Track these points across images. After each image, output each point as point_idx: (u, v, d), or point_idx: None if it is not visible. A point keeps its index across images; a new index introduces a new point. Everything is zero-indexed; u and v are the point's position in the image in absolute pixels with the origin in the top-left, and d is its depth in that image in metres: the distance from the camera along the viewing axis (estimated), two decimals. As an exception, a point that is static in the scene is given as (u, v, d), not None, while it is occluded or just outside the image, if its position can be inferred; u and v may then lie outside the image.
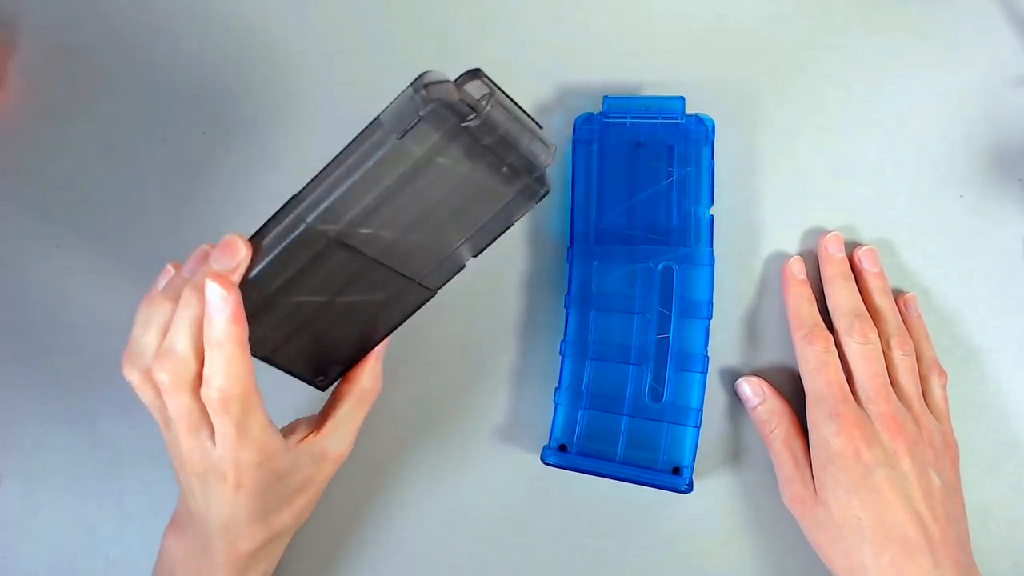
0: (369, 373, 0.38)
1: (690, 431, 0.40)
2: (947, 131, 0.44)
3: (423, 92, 0.30)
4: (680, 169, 0.42)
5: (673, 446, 0.40)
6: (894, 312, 0.41)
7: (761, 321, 0.43)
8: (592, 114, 0.43)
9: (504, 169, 0.33)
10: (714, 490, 0.42)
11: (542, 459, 0.41)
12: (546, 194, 0.36)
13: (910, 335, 0.40)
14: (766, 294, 0.43)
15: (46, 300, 0.46)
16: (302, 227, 0.32)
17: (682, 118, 0.42)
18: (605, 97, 0.43)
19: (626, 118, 0.43)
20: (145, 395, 0.34)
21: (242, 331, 0.32)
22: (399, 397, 0.44)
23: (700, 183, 0.42)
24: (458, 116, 0.31)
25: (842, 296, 0.41)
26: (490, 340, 0.44)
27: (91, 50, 0.48)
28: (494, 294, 0.44)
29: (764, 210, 0.44)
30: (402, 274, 0.36)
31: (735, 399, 0.43)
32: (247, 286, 0.33)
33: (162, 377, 0.32)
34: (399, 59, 0.47)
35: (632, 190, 0.42)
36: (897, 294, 0.42)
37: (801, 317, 0.41)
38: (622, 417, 0.40)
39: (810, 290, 0.42)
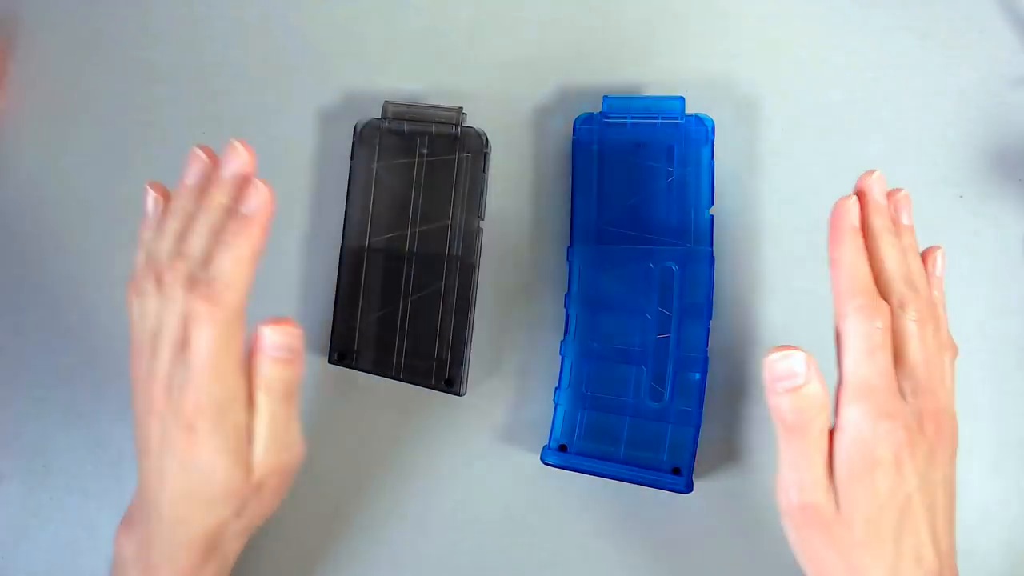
0: (257, 367, 0.33)
1: (690, 431, 0.40)
2: (947, 131, 0.44)
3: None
4: (680, 169, 0.42)
5: (673, 446, 0.40)
6: (924, 275, 0.35)
7: (762, 321, 0.43)
8: (592, 114, 0.43)
9: (428, 137, 0.43)
10: (714, 490, 0.42)
11: (542, 459, 0.41)
12: (486, 143, 0.43)
13: None
14: (766, 294, 0.43)
15: (46, 300, 0.46)
16: (340, 250, 0.43)
17: (682, 118, 0.42)
18: (605, 97, 0.43)
19: (626, 118, 0.43)
20: (148, 304, 0.33)
21: (261, 242, 0.33)
22: (398, 396, 0.44)
23: (700, 183, 0.42)
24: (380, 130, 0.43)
25: (894, 259, 0.33)
26: (490, 339, 0.44)
27: (91, 50, 0.48)
28: (494, 293, 0.44)
29: (764, 210, 0.44)
30: (438, 255, 0.42)
31: (735, 399, 0.42)
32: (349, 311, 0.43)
33: (173, 273, 0.32)
34: (400, 59, 0.47)
35: (632, 190, 0.42)
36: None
37: (858, 280, 0.32)
38: (622, 417, 0.40)
39: (863, 243, 0.33)
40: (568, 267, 0.42)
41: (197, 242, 0.33)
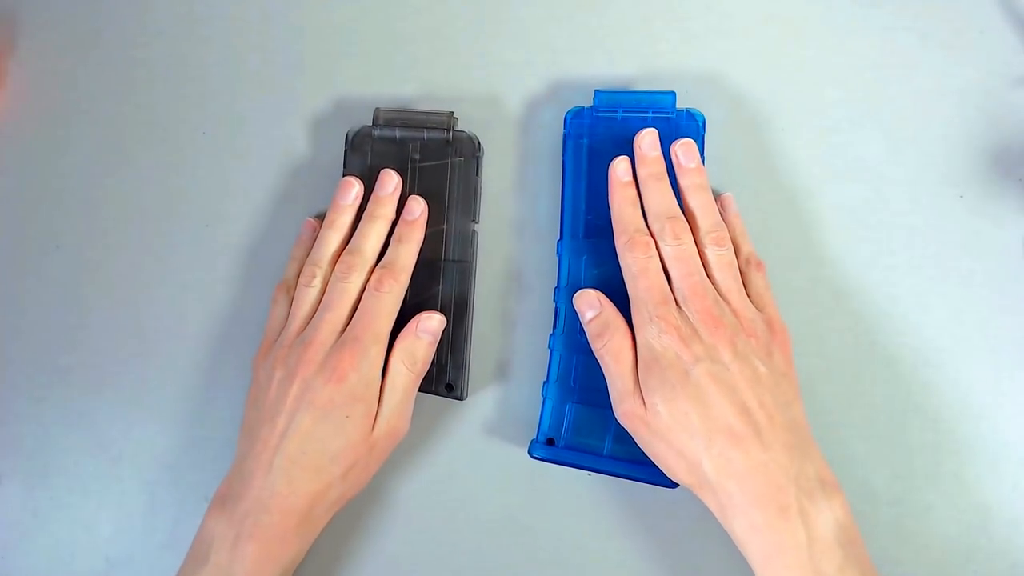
0: (407, 343, 0.40)
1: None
2: (947, 131, 0.44)
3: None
4: (670, 163, 0.42)
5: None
6: (708, 209, 0.40)
7: (761, 321, 0.43)
8: (583, 108, 0.43)
9: (420, 143, 0.43)
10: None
11: (529, 452, 0.41)
12: (479, 147, 0.43)
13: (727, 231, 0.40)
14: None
15: (46, 300, 0.46)
16: None
17: (673, 113, 0.42)
18: (596, 91, 0.43)
19: (617, 112, 0.43)
20: (309, 294, 0.41)
21: (422, 236, 0.42)
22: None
23: None
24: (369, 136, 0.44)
25: (654, 198, 0.40)
26: (479, 332, 0.44)
27: (91, 50, 0.48)
28: (484, 287, 0.44)
29: (763, 210, 0.44)
30: (435, 260, 0.43)
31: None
32: None
33: (346, 263, 0.40)
34: (390, 61, 0.47)
35: None
36: (717, 194, 0.42)
37: (624, 222, 0.40)
38: (610, 411, 0.40)
39: (635, 192, 0.41)
40: (558, 261, 0.42)
41: (370, 243, 0.41)
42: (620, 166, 0.41)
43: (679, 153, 0.41)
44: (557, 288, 0.42)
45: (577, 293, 0.40)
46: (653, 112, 0.42)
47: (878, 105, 0.45)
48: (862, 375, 0.42)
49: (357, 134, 0.44)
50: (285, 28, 0.48)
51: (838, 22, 0.46)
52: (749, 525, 0.35)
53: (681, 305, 0.38)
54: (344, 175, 0.43)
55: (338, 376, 0.38)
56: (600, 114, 0.43)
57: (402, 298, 0.41)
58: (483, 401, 0.44)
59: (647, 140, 0.41)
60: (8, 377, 0.45)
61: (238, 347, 0.45)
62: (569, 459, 0.41)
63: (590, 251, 0.42)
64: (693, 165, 0.41)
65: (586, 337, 0.40)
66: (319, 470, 0.38)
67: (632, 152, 0.41)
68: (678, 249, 0.39)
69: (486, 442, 0.43)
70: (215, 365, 0.45)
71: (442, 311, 0.42)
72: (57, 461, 0.45)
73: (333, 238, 0.42)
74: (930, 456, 0.42)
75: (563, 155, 0.43)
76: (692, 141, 0.41)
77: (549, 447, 0.41)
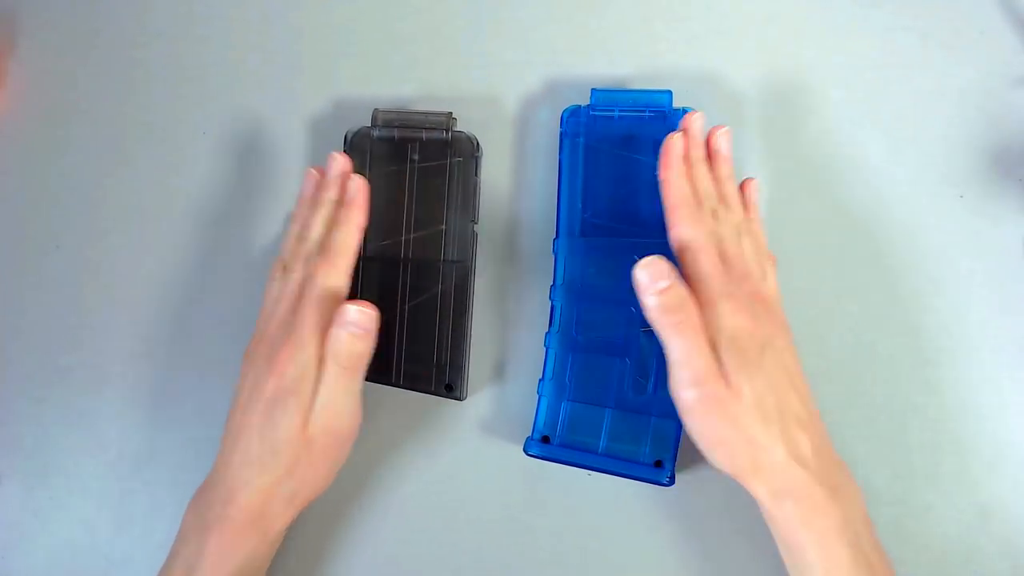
0: (330, 336, 0.37)
1: (673, 424, 0.40)
2: (947, 131, 0.44)
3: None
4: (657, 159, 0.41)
5: (656, 439, 0.40)
6: (735, 198, 0.41)
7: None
8: (579, 107, 0.43)
9: (419, 143, 0.43)
10: (696, 483, 0.42)
11: (525, 450, 0.41)
12: (477, 147, 0.43)
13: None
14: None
15: (46, 300, 0.46)
16: None
17: (669, 111, 0.42)
18: (593, 90, 0.43)
19: (613, 111, 0.43)
20: (273, 287, 0.40)
21: (362, 218, 0.41)
22: (383, 388, 0.43)
23: None
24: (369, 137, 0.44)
25: (706, 180, 0.40)
26: (476, 331, 0.44)
27: (91, 50, 0.48)
28: (480, 285, 0.44)
29: (763, 210, 0.44)
30: (434, 260, 0.42)
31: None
32: None
33: (295, 253, 0.40)
34: (388, 62, 0.47)
35: (619, 183, 0.42)
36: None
37: (685, 196, 0.39)
38: (606, 409, 0.40)
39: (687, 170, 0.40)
40: (554, 259, 0.42)
41: (315, 230, 0.41)
42: (679, 142, 0.40)
43: (720, 140, 0.41)
44: (553, 286, 0.42)
45: (643, 261, 0.36)
46: (650, 111, 0.42)
47: (878, 105, 0.45)
48: (862, 375, 0.42)
49: (356, 134, 0.44)
50: (285, 28, 0.48)
51: (838, 22, 0.46)
52: (810, 506, 0.35)
53: (737, 284, 0.37)
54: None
55: (279, 370, 0.37)
56: (597, 113, 0.43)
57: (346, 284, 0.39)
58: (481, 400, 0.44)
59: (698, 124, 0.41)
60: (8, 377, 0.46)
61: (238, 347, 0.44)
62: (564, 456, 0.41)
63: (586, 250, 0.42)
64: (728, 154, 0.41)
65: (581, 335, 0.40)
66: (264, 464, 0.37)
67: (630, 153, 0.41)
68: (738, 237, 0.39)
69: (484, 441, 0.43)
70: (215, 365, 0.45)
71: (441, 312, 0.42)
72: (57, 461, 0.45)
73: (294, 230, 0.42)
74: (930, 456, 0.42)
75: (559, 153, 0.43)
76: (729, 130, 0.41)
77: (544, 445, 0.41)
